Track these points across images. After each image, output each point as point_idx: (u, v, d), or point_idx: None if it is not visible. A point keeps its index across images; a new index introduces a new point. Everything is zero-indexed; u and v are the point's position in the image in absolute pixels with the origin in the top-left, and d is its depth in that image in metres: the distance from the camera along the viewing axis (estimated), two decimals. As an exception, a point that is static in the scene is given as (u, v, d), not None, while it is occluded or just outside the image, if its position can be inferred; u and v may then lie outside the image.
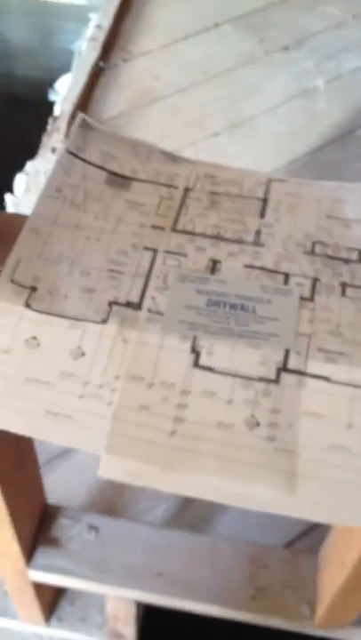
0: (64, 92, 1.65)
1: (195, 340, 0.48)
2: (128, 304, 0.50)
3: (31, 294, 0.49)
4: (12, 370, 0.46)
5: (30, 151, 1.61)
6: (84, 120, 0.57)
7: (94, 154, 0.57)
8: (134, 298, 0.50)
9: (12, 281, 0.49)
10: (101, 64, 1.56)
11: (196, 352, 0.48)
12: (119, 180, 0.56)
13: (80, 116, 0.57)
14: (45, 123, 1.66)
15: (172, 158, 0.58)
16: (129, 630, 0.92)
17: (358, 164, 1.52)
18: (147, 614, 0.95)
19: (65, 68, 2.04)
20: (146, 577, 0.82)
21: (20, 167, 1.51)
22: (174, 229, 0.53)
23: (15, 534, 0.71)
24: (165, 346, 0.48)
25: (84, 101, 1.54)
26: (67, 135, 1.50)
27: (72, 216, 0.53)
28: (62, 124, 1.48)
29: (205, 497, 0.44)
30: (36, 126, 1.72)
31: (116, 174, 0.56)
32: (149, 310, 0.49)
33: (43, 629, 0.97)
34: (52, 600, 0.95)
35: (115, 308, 0.49)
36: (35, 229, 0.52)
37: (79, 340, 0.48)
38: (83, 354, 0.47)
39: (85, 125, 0.57)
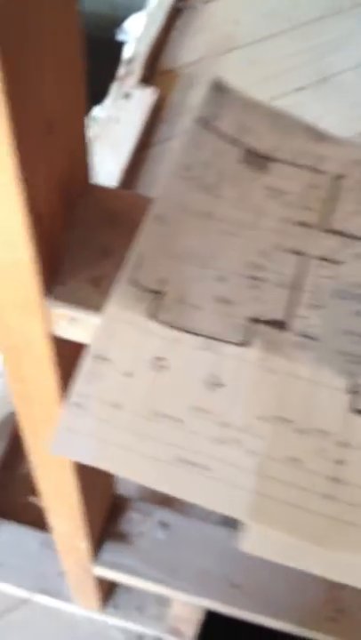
0: (136, 33, 1.51)
1: (355, 377, 0.37)
2: (273, 323, 0.38)
3: (157, 301, 0.38)
4: (135, 399, 0.36)
5: (94, 94, 1.48)
6: (217, 83, 0.45)
7: (229, 125, 0.45)
8: (280, 315, 0.39)
9: (135, 283, 0.38)
10: (180, 4, 1.41)
11: (355, 393, 0.37)
12: (257, 160, 0.44)
13: (214, 78, 0.44)
14: (111, 63, 1.52)
15: (319, 136, 0.45)
16: (190, 630, 0.84)
17: None
18: (209, 615, 0.86)
19: (131, 6, 1.88)
20: (220, 586, 0.73)
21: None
22: (325, 228, 0.42)
23: (84, 527, 0.61)
24: (319, 381, 0.37)
25: (161, 44, 1.40)
26: (142, 79, 1.36)
27: (204, 202, 0.42)
28: (137, 68, 1.34)
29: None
30: (101, 67, 1.58)
31: (253, 152, 0.44)
32: (300, 333, 0.38)
33: (97, 615, 0.89)
34: (109, 588, 0.87)
35: (257, 326, 0.38)
36: (161, 217, 0.41)
37: (215, 366, 0.37)
38: (219, 384, 0.37)
39: (219, 89, 0.45)
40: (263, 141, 0.45)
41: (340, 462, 0.36)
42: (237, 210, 0.43)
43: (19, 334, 0.41)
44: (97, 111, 1.41)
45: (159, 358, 0.38)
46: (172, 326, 0.38)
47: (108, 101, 1.33)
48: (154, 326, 0.38)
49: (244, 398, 0.37)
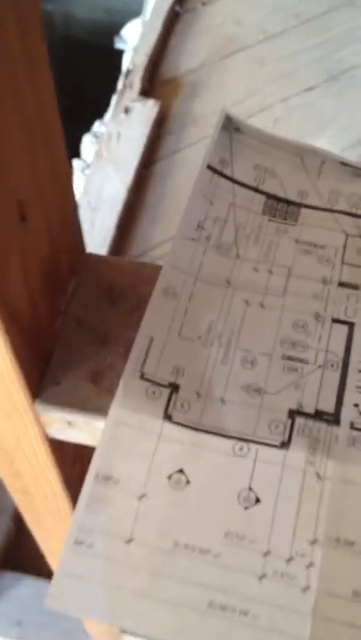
0: (133, 41, 1.43)
1: None
2: (320, 415, 0.31)
3: (172, 397, 0.31)
4: (151, 528, 0.29)
5: (95, 103, 1.41)
6: (229, 119, 0.38)
7: (245, 170, 0.38)
8: (328, 405, 0.32)
9: (143, 376, 0.31)
10: (178, 8, 1.34)
11: None
12: (283, 208, 0.37)
13: (224, 112, 0.37)
14: (111, 72, 1.45)
15: (355, 172, 0.38)
16: None
17: None
18: None
19: (126, 10, 1.81)
20: None
21: (83, 122, 1.30)
22: (375, 287, 0.34)
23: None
24: (382, 487, 0.30)
25: (159, 52, 1.32)
26: (142, 91, 1.29)
27: (222, 267, 0.35)
28: (136, 80, 1.27)
29: None
30: (101, 76, 1.51)
31: (277, 198, 0.37)
32: (353, 426, 0.31)
33: None
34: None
35: (299, 420, 0.31)
36: (171, 290, 0.34)
37: (249, 476, 0.30)
38: (257, 500, 0.29)
39: (231, 126, 0.38)
40: (288, 186, 0.38)
41: None
42: (263, 273, 0.35)
43: (9, 437, 0.34)
44: (97, 127, 1.35)
45: (179, 471, 0.30)
46: (193, 428, 0.31)
47: (108, 116, 1.26)
48: (170, 429, 0.31)
49: (289, 517, 0.30)
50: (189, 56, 1.41)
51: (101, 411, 0.32)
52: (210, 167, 0.38)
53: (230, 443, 0.31)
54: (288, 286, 0.35)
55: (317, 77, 1.37)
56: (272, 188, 0.38)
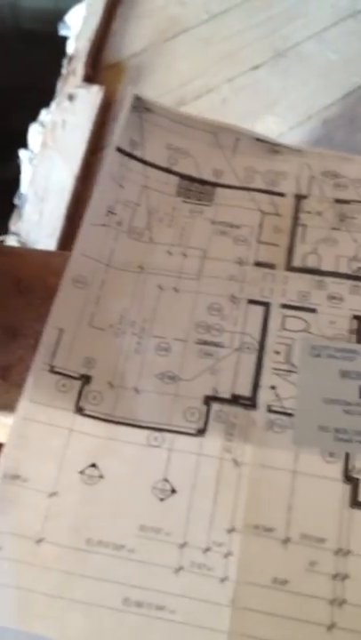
0: (77, 27, 1.41)
1: (348, 458, 0.29)
2: (235, 399, 0.31)
3: (83, 389, 0.30)
4: (63, 526, 0.28)
5: (42, 92, 1.38)
6: (138, 99, 0.37)
7: (157, 151, 0.37)
8: (244, 388, 0.31)
9: (53, 369, 0.30)
10: (118, -9, 1.31)
11: (351, 480, 0.29)
12: (198, 188, 0.36)
13: (132, 93, 0.36)
14: (58, 60, 1.43)
15: (271, 148, 0.37)
16: None
17: None
18: None
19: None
20: None
21: (35, 113, 1.28)
22: (290, 266, 0.34)
23: None
24: (302, 470, 0.29)
25: (102, 37, 1.30)
26: (85, 77, 1.27)
27: (134, 252, 0.34)
28: (79, 66, 1.25)
29: None
30: (48, 64, 1.49)
31: (191, 179, 0.36)
32: (270, 409, 0.30)
33: None
34: None
35: (215, 406, 0.30)
36: (81, 279, 0.33)
37: (164, 467, 0.29)
38: (172, 490, 0.29)
39: (141, 107, 0.37)
40: (203, 165, 0.37)
41: (340, 578, 0.28)
42: (177, 256, 0.34)
43: None
44: (44, 115, 1.32)
45: (91, 466, 0.30)
46: (106, 420, 0.31)
47: (54, 105, 1.24)
48: (82, 423, 0.30)
49: (206, 507, 0.29)
50: (133, 39, 1.39)
51: (9, 407, 0.31)
52: (119, 150, 0.37)
53: (145, 433, 0.31)
54: (203, 269, 0.35)
55: (263, 55, 1.36)
56: (186, 168, 0.38)
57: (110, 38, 1.40)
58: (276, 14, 1.43)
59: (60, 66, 1.37)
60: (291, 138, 1.05)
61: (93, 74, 1.33)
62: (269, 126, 1.10)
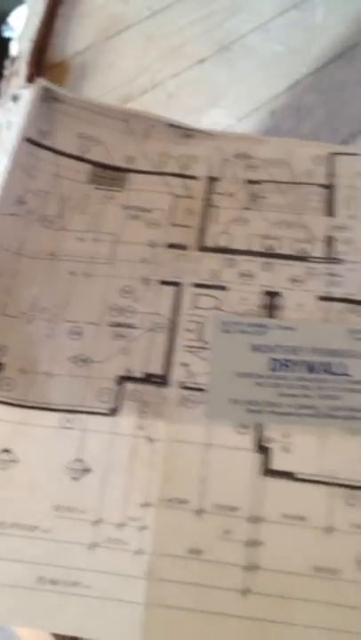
0: (20, 28, 1.41)
1: (259, 429, 0.30)
2: (148, 378, 0.31)
3: (-4, 377, 0.31)
4: (-22, 512, 0.29)
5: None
6: (45, 89, 0.37)
7: (68, 138, 0.37)
8: (156, 367, 0.32)
9: (-35, 358, 0.31)
10: (59, -9, 1.32)
11: (263, 449, 0.30)
12: (110, 175, 0.37)
13: (39, 82, 0.37)
14: (1, 62, 1.43)
15: (184, 133, 0.38)
16: None
17: (367, 83, 1.31)
18: None
19: (18, -2, 1.78)
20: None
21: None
22: (202, 247, 0.35)
23: None
24: (215, 443, 0.30)
25: (44, 37, 1.30)
26: (29, 79, 1.27)
27: (46, 240, 0.35)
28: (22, 67, 1.25)
29: None
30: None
31: (103, 166, 0.37)
32: (182, 385, 0.31)
33: None
34: None
35: (128, 386, 0.31)
36: (-8, 269, 0.33)
37: (78, 448, 0.30)
38: (86, 470, 0.29)
39: (49, 96, 0.38)
40: (115, 152, 0.38)
41: (253, 544, 0.29)
42: (89, 242, 0.35)
43: None
44: (-11, 118, 1.32)
45: (5, 450, 0.30)
46: (19, 405, 0.31)
47: (-2, 107, 1.24)
48: (-4, 410, 0.31)
49: (120, 483, 0.30)
50: (75, 38, 1.39)
51: None
52: (28, 140, 0.37)
53: (58, 416, 0.31)
54: (115, 253, 0.35)
55: (208, 49, 1.37)
56: (98, 155, 0.38)
57: (53, 38, 1.40)
58: (218, 8, 1.45)
59: (3, 67, 1.37)
60: (239, 130, 1.06)
61: (37, 74, 1.33)
62: (217, 119, 1.12)
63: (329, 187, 0.38)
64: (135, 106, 1.09)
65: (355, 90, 1.33)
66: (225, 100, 1.33)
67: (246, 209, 0.37)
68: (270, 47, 1.32)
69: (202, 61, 1.33)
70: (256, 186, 0.38)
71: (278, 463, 0.31)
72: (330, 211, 0.37)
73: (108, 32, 1.38)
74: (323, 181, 0.38)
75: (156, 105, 1.04)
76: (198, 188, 0.38)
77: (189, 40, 1.36)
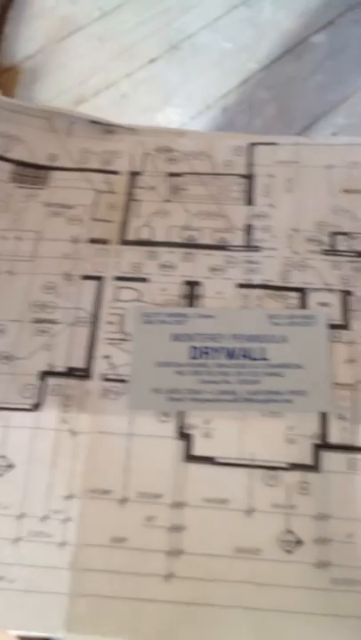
0: (-32, 35, 1.41)
1: (181, 417, 0.31)
2: (70, 372, 0.32)
3: None
4: None
5: None
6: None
7: (-11, 138, 0.38)
8: (79, 361, 0.32)
9: None
10: (7, -4, 1.32)
11: (184, 436, 0.30)
12: (32, 173, 0.37)
13: None
14: None
15: (106, 129, 0.39)
16: None
17: (317, 77, 1.32)
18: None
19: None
20: None
21: None
22: (124, 241, 0.35)
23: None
24: (137, 432, 0.31)
25: (-6, 43, 1.30)
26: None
27: (-32, 240, 0.35)
28: (-29, 75, 1.25)
29: None
30: None
31: (25, 164, 0.37)
32: (104, 378, 0.32)
33: None
34: None
35: (50, 380, 0.32)
36: None
37: (1, 444, 0.30)
38: (9, 466, 0.30)
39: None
40: (37, 150, 0.39)
41: (177, 529, 0.29)
42: (11, 240, 0.36)
43: None
44: None
45: None
46: None
47: None
48: None
49: (43, 477, 0.30)
50: (26, 42, 1.39)
51: None
52: None
53: None
54: (37, 250, 0.36)
55: (159, 48, 1.38)
56: (19, 154, 0.39)
57: (3, 42, 1.40)
58: (168, 7, 1.45)
59: None
60: (192, 127, 1.07)
61: (-13, 79, 1.33)
62: (171, 117, 1.12)
63: (248, 176, 0.38)
64: (89, 107, 1.10)
65: (305, 84, 1.34)
66: (178, 98, 1.33)
67: (167, 201, 0.38)
68: (220, 44, 1.33)
69: (153, 61, 1.33)
70: (177, 178, 0.38)
71: (200, 449, 0.31)
72: (249, 200, 0.37)
73: (59, 34, 1.38)
74: (242, 171, 0.38)
75: (111, 105, 1.04)
76: (120, 182, 0.38)
77: (140, 40, 1.37)
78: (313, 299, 0.34)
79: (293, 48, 1.36)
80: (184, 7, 1.43)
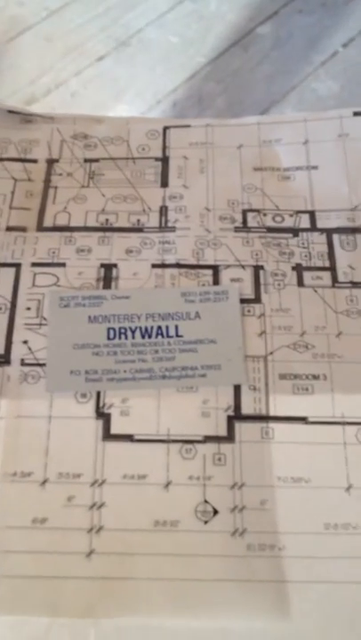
0: None
1: (99, 397, 0.31)
2: (-11, 359, 0.32)
3: None
4: None
5: None
6: None
7: None
8: (-3, 347, 0.32)
9: None
10: None
11: (103, 415, 0.31)
12: None
13: None
14: None
15: (24, 118, 0.39)
16: None
17: (264, 67, 1.32)
18: None
19: None
20: None
21: None
22: (41, 227, 0.35)
23: None
24: (56, 415, 0.31)
25: None
26: None
27: None
28: None
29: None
30: None
31: None
32: (23, 362, 0.32)
33: None
34: None
35: (-31, 368, 0.32)
36: None
37: None
38: None
39: None
40: None
41: (97, 507, 0.29)
42: None
43: None
44: None
45: None
46: None
47: None
48: None
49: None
50: (-26, 44, 1.38)
51: None
52: None
53: None
54: None
55: (107, 46, 1.38)
56: None
57: None
58: (114, 4, 1.45)
59: None
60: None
61: None
62: (121, 114, 1.12)
63: (163, 159, 0.38)
64: (40, 106, 1.09)
65: (253, 75, 1.35)
66: (128, 94, 1.33)
67: (84, 187, 0.38)
68: (167, 39, 1.33)
69: (102, 58, 1.33)
70: (94, 164, 0.39)
71: (118, 427, 0.32)
72: (164, 182, 0.38)
73: (7, 34, 1.37)
74: (157, 155, 0.39)
75: (62, 104, 1.04)
76: (38, 170, 0.38)
77: (88, 38, 1.36)
78: (226, 275, 0.35)
79: (240, 40, 1.36)
80: (130, 4, 1.43)
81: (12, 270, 0.35)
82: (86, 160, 0.39)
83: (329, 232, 0.36)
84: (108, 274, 0.35)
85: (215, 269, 0.35)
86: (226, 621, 0.29)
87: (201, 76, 1.31)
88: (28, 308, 0.34)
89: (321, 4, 1.17)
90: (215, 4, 1.34)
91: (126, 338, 0.33)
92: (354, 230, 0.36)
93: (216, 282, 0.35)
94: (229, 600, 0.29)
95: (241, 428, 0.31)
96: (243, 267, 0.35)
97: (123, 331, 0.33)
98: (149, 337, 0.33)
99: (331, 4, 1.22)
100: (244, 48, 1.31)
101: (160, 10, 1.34)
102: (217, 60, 1.30)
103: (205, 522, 0.30)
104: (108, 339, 0.33)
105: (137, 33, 1.35)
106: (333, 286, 0.35)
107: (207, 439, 0.31)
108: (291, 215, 0.37)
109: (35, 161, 0.39)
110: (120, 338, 0.33)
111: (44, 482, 0.31)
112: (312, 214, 0.37)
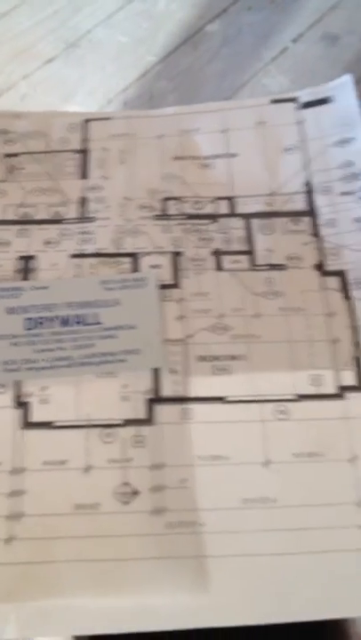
0: None
1: (17, 386, 0.32)
2: None
3: None
4: None
5: None
6: None
7: None
8: None
9: None
10: None
11: (22, 404, 0.31)
12: None
13: None
14: None
15: None
16: None
17: (214, 64, 1.34)
18: None
19: None
20: None
21: None
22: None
23: None
24: (-24, 405, 0.31)
25: None
26: None
27: None
28: None
29: (81, 632, 0.29)
30: None
31: None
32: None
33: None
34: None
35: None
36: None
37: None
38: None
39: None
40: None
41: (17, 494, 0.30)
42: None
43: None
44: None
45: None
46: None
47: None
48: None
49: None
50: None
51: None
52: None
53: None
54: None
55: (56, 48, 1.39)
56: None
57: None
58: (62, 6, 1.46)
59: None
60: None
61: None
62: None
63: (83, 151, 0.39)
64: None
65: (203, 73, 1.36)
66: (78, 95, 1.34)
67: (3, 181, 0.39)
68: (117, 39, 1.34)
69: (51, 60, 1.34)
70: (13, 159, 0.39)
71: (37, 415, 0.32)
72: (84, 174, 0.39)
73: None
74: (77, 147, 0.40)
75: (12, 107, 1.04)
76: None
77: (36, 40, 1.37)
78: (145, 262, 0.36)
79: (189, 38, 1.38)
80: (78, 5, 1.44)
81: None
82: (6, 155, 0.40)
83: (248, 217, 0.37)
84: (26, 266, 0.36)
85: (134, 257, 0.36)
86: (148, 598, 0.30)
87: (152, 74, 1.32)
88: None
89: (270, 1, 1.19)
90: (164, 3, 1.35)
91: (45, 327, 0.34)
92: (271, 214, 0.37)
93: (135, 269, 0.36)
94: (151, 577, 0.30)
95: (161, 410, 0.32)
96: (162, 253, 0.36)
97: (41, 320, 0.34)
98: (68, 325, 0.34)
99: (280, 1, 1.24)
100: (194, 46, 1.33)
101: (109, 10, 1.35)
102: (167, 58, 1.31)
103: (125, 503, 0.31)
104: (27, 329, 0.34)
105: (86, 34, 1.36)
106: (252, 269, 0.36)
107: (127, 422, 0.32)
108: (211, 202, 0.38)
109: None
110: (38, 328, 0.34)
111: (-35, 472, 0.31)
112: (231, 200, 0.38)
